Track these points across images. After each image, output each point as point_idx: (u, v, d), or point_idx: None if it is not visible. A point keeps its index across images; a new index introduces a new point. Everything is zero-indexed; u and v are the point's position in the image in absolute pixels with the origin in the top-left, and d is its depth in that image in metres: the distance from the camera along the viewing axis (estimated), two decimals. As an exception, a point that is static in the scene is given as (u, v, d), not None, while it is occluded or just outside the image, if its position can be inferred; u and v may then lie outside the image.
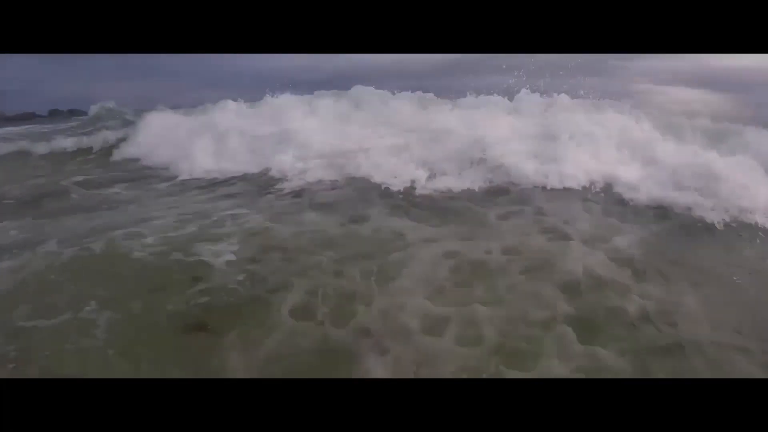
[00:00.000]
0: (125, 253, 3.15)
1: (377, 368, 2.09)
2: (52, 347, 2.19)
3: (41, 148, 8.69)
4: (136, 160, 7.39)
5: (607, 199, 4.71)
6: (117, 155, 7.90)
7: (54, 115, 16.65)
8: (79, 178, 6.48)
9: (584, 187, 4.98)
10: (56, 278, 2.82)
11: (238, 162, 6.33)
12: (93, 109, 12.24)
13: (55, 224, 4.11)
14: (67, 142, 8.94)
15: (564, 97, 8.30)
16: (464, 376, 2.05)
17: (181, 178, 6.13)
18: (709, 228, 3.99)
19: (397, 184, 5.13)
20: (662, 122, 6.59)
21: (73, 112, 15.34)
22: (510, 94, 7.89)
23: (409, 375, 2.06)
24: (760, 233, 3.93)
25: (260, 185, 5.58)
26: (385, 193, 4.95)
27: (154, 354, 2.18)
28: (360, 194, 4.91)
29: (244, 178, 5.95)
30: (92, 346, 2.21)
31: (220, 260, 3.07)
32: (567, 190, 5.01)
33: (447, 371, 2.08)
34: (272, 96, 8.41)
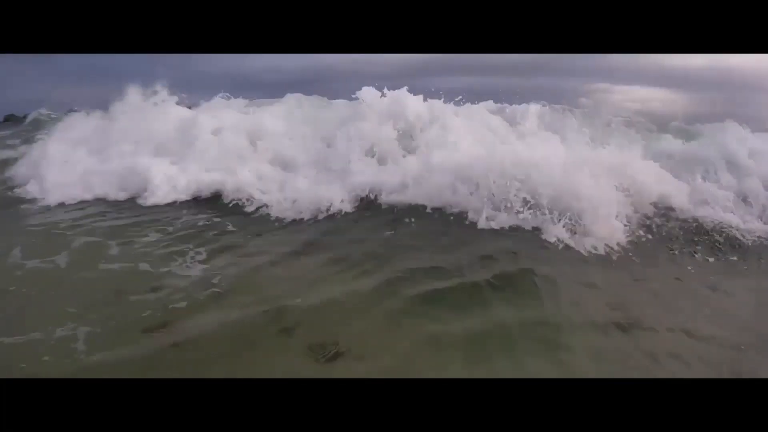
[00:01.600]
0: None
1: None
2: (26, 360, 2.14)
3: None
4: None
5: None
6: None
7: (10, 120, 15.67)
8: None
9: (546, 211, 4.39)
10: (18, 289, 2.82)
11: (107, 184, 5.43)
12: (31, 116, 11.27)
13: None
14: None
15: (534, 107, 7.23)
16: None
17: (41, 203, 5.15)
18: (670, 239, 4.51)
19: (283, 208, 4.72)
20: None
21: (27, 118, 14.35)
22: (472, 96, 6.82)
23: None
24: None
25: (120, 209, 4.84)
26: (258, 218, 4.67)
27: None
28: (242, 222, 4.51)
29: (108, 202, 5.17)
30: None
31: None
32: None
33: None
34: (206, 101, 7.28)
